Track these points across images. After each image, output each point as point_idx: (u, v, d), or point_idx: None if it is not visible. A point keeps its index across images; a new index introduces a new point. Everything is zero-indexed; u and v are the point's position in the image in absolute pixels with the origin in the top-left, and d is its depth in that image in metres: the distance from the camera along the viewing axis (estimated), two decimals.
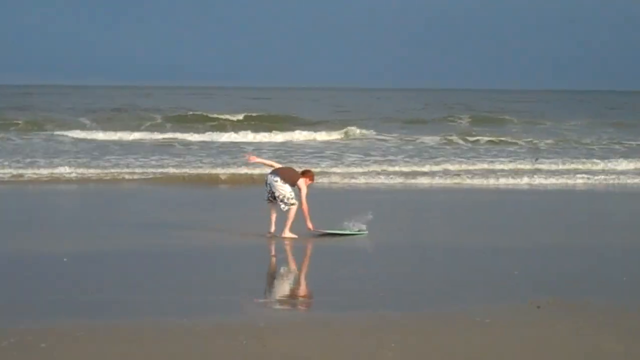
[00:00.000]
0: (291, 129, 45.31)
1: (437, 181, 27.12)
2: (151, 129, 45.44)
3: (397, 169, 29.50)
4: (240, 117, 53.26)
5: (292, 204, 15.41)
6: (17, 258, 13.31)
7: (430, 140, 41.33)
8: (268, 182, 15.54)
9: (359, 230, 15.86)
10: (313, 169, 18.03)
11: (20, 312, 9.64)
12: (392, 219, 18.37)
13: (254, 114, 54.66)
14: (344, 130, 44.50)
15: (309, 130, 44.89)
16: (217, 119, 52.31)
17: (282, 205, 15.41)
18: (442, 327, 9.10)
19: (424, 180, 27.19)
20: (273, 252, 14.41)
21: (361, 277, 12.07)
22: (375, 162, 31.57)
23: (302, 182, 15.56)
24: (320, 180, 25.06)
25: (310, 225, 15.46)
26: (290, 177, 15.57)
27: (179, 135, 41.33)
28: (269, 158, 16.57)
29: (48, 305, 10.00)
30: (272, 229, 15.50)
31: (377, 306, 10.10)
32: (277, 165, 15.94)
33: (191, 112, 55.21)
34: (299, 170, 16.12)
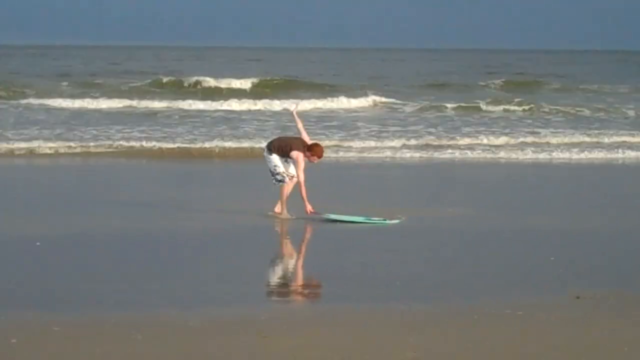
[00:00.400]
0: (313, 96, 45.11)
1: (466, 154, 27.11)
2: (138, 95, 45.35)
3: (417, 142, 29.41)
4: (247, 83, 52.43)
5: (281, 180, 15.07)
6: None
7: (458, 107, 41.34)
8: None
9: (384, 219, 15.11)
10: (322, 144, 16.31)
11: None
12: (411, 198, 18.39)
13: (255, 80, 54.01)
14: (369, 98, 44.31)
15: (329, 96, 44.68)
16: (222, 85, 51.51)
17: (273, 180, 15.14)
18: (467, 321, 9.11)
19: (450, 154, 27.17)
20: (276, 235, 14.44)
21: (376, 263, 12.10)
22: (395, 133, 31.55)
23: (297, 155, 14.85)
24: (334, 155, 25.19)
25: (309, 207, 14.96)
26: (280, 146, 15.07)
27: (173, 104, 41.21)
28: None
29: (20, 296, 10.04)
30: (278, 209, 15.31)
31: (394, 297, 10.13)
32: (303, 134, 15.33)
33: (187, 77, 54.50)
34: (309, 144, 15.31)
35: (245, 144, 27.81)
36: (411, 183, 22.02)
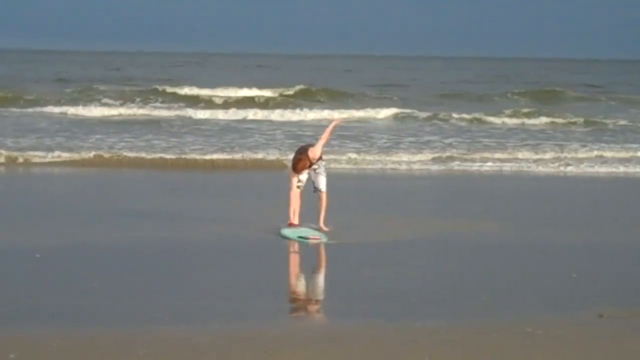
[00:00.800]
0: (343, 106, 45.12)
1: (488, 167, 27.12)
2: (141, 103, 45.35)
3: (438, 154, 29.18)
4: (271, 92, 51.54)
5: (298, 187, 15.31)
6: None
7: (479, 118, 41.50)
8: None
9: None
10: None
11: None
12: (426, 210, 18.38)
13: (287, 89, 52.98)
14: (391, 109, 44.18)
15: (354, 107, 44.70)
16: (249, 94, 50.49)
17: None
18: (486, 340, 9.08)
19: (471, 166, 27.17)
20: (283, 250, 14.44)
21: (389, 278, 12.07)
22: (424, 144, 31.50)
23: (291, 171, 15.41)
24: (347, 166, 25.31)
25: (291, 222, 15.22)
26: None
27: (183, 112, 41.19)
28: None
29: (18, 309, 10.05)
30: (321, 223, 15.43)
31: (408, 313, 10.11)
32: (317, 143, 15.40)
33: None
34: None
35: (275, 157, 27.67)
36: (429, 196, 22.04)
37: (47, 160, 26.01)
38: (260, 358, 8.32)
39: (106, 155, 26.79)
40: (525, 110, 45.31)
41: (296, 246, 14.53)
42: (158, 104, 45.15)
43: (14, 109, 41.28)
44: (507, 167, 27.29)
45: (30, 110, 41.33)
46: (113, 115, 40.03)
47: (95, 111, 40.88)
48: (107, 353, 8.42)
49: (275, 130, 35.28)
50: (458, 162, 27.81)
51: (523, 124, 41.05)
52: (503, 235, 15.70)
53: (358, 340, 8.96)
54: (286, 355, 8.45)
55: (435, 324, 9.61)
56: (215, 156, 27.43)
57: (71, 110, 40.86)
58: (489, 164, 27.70)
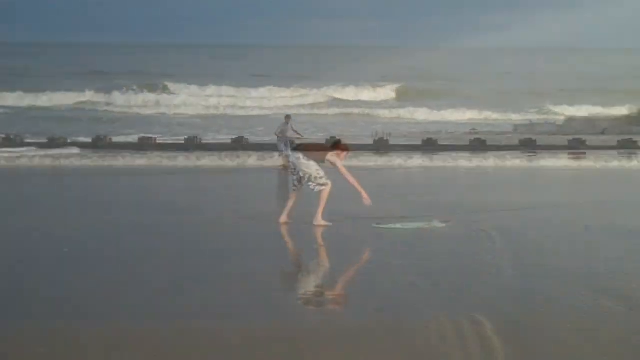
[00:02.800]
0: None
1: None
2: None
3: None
4: (390, 91, 50.63)
5: (323, 185, 15.58)
6: (12, 246, 13.58)
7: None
8: (291, 161, 15.85)
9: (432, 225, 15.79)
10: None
11: (15, 310, 9.75)
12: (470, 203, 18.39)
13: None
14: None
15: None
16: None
17: (312, 186, 15.65)
18: (527, 335, 9.00)
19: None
20: (308, 244, 14.39)
21: (418, 273, 11.93)
22: None
23: (332, 157, 15.70)
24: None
25: (365, 196, 15.53)
26: (315, 152, 15.78)
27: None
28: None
29: (48, 304, 10.05)
30: (284, 218, 15.81)
31: (439, 309, 9.98)
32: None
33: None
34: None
35: None
36: (478, 189, 22.08)
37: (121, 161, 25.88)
38: (292, 355, 8.28)
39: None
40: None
41: (327, 239, 14.52)
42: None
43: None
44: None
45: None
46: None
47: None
48: (138, 348, 8.39)
49: None
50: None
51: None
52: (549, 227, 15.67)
53: (390, 336, 8.86)
54: (319, 351, 8.38)
55: (465, 318, 9.47)
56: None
57: (149, 111, 41.08)
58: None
